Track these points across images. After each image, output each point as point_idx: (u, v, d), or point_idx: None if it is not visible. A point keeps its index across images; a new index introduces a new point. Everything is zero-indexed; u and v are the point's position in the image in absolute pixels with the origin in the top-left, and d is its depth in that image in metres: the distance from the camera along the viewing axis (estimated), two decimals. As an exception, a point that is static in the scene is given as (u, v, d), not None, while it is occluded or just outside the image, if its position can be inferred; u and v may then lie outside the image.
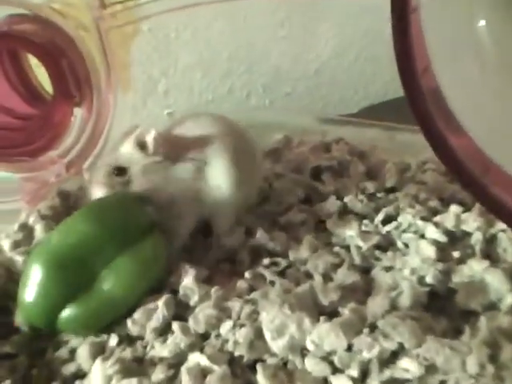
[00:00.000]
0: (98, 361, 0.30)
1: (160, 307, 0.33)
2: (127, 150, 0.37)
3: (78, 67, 0.46)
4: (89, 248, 0.33)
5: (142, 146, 0.37)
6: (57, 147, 0.47)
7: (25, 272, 0.33)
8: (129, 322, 0.33)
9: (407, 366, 0.28)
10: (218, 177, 0.38)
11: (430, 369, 0.27)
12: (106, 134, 0.49)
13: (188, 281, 0.34)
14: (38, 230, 0.40)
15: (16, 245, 0.39)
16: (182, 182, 0.38)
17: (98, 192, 0.37)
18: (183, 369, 0.29)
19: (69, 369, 0.31)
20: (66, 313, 0.32)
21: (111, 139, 0.48)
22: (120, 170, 0.37)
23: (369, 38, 0.72)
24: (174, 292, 0.34)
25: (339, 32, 0.72)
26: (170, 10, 0.51)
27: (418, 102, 0.32)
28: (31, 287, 0.32)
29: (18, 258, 0.37)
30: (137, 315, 0.33)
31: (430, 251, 0.35)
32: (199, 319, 0.32)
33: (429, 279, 0.33)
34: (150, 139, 0.37)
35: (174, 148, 0.38)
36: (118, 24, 0.48)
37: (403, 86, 0.32)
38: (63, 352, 0.32)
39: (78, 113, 0.48)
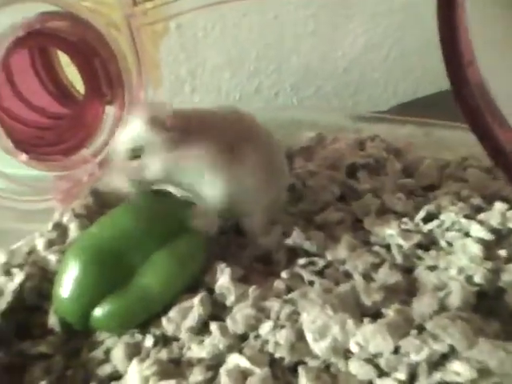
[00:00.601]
0: (135, 362, 0.30)
1: (195, 306, 0.32)
2: (138, 129, 0.32)
3: (109, 65, 0.46)
4: (127, 243, 0.32)
5: (155, 121, 0.32)
6: (89, 146, 0.47)
7: (61, 267, 0.33)
8: (164, 321, 0.32)
9: (458, 369, 0.26)
10: (245, 166, 0.34)
11: (483, 372, 0.26)
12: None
13: (224, 280, 0.33)
14: (72, 229, 0.39)
15: (50, 244, 0.38)
16: (202, 163, 0.33)
17: (117, 182, 0.33)
18: (222, 370, 0.29)
19: (104, 370, 0.31)
20: (101, 309, 0.31)
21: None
22: (134, 152, 0.32)
23: (398, 35, 0.72)
24: (210, 291, 0.34)
25: (368, 29, 0.71)
26: (199, 8, 0.51)
27: (464, 94, 0.31)
28: (67, 282, 0.32)
29: (52, 257, 0.37)
30: (172, 313, 0.32)
31: (477, 250, 0.33)
32: (237, 319, 0.31)
33: (477, 279, 0.31)
34: (165, 113, 0.32)
35: (193, 124, 0.33)
36: (148, 21, 0.48)
37: (449, 77, 0.31)
38: (98, 352, 0.32)
39: (110, 111, 0.48)
